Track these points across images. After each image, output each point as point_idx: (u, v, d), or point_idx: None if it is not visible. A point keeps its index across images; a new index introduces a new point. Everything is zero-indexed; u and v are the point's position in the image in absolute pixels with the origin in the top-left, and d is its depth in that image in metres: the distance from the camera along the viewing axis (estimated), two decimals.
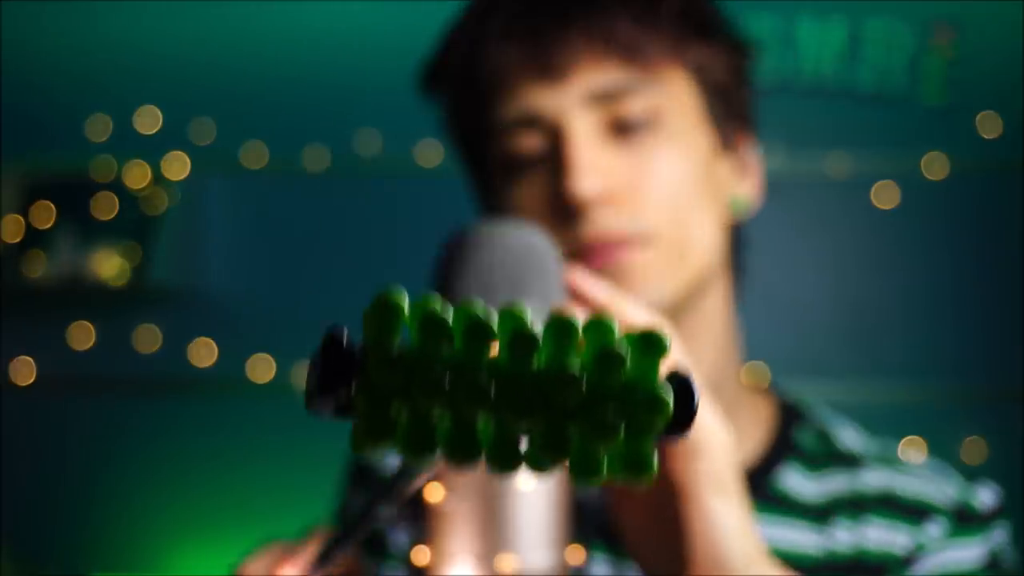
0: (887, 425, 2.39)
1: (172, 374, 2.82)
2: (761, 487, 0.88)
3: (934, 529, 0.87)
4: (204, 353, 2.84)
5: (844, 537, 0.87)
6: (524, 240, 0.66)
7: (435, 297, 0.38)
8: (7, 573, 2.62)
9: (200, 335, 2.83)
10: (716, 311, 0.88)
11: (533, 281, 0.65)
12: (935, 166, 2.68)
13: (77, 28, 2.88)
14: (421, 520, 0.65)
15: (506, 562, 0.61)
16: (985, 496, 0.90)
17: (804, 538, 0.87)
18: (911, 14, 2.71)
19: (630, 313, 0.62)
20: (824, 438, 0.92)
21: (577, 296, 0.63)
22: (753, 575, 0.59)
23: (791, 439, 0.91)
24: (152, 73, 2.84)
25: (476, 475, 0.62)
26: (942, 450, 2.59)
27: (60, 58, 2.89)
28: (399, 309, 0.38)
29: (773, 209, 2.82)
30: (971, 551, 0.87)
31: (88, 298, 2.89)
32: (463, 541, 0.62)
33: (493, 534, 0.62)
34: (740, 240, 0.92)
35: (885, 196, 2.71)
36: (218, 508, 2.80)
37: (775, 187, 2.97)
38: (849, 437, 0.93)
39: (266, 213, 2.86)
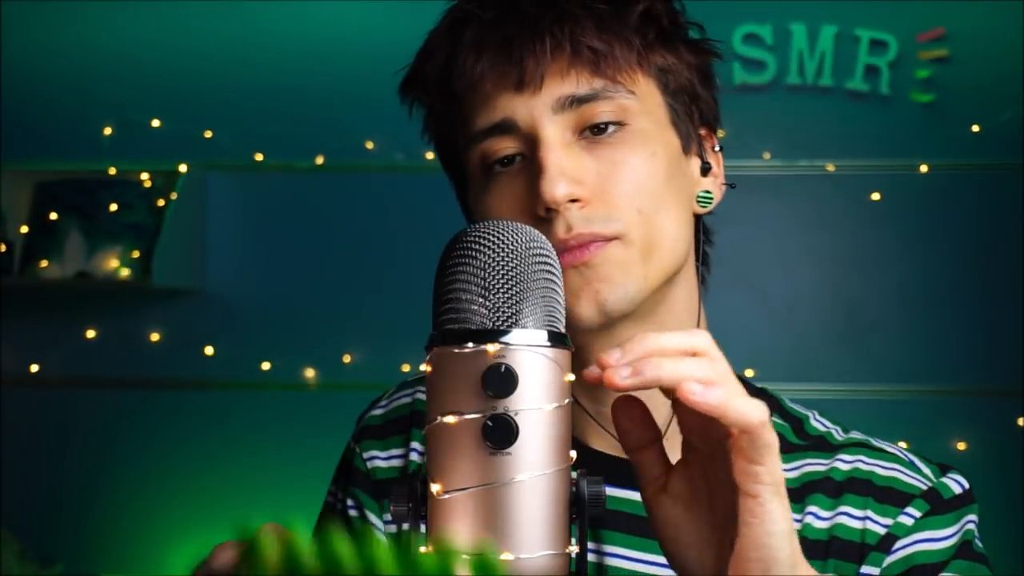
0: (880, 423, 2.40)
1: (176, 372, 2.83)
2: None
3: (908, 513, 0.90)
4: (207, 351, 2.84)
5: (819, 520, 0.90)
6: (524, 240, 0.67)
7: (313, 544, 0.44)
8: (13, 570, 2.62)
9: (203, 334, 2.84)
10: (684, 301, 0.92)
11: (532, 281, 0.66)
12: (925, 165, 2.69)
13: (86, 31, 2.88)
14: (422, 518, 0.66)
15: (506, 559, 0.62)
16: (956, 483, 0.92)
17: None
18: (900, 18, 2.71)
19: (665, 341, 0.64)
20: (797, 425, 0.96)
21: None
22: None
23: None
24: (159, 76, 2.85)
25: (475, 473, 0.63)
26: (934, 447, 2.60)
27: (68, 61, 2.89)
28: (260, 555, 0.44)
29: (768, 209, 2.82)
30: (943, 536, 0.89)
31: (93, 297, 2.90)
32: (463, 538, 0.63)
33: (493, 531, 0.62)
34: (705, 233, 0.96)
35: (877, 195, 2.72)
36: (221, 504, 2.81)
37: (770, 187, 2.96)
38: (821, 425, 0.96)
39: (270, 214, 2.87)
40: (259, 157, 2.82)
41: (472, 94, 0.88)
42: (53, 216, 2.82)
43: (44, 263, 2.81)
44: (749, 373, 2.66)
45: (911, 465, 0.93)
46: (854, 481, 0.91)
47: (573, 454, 0.66)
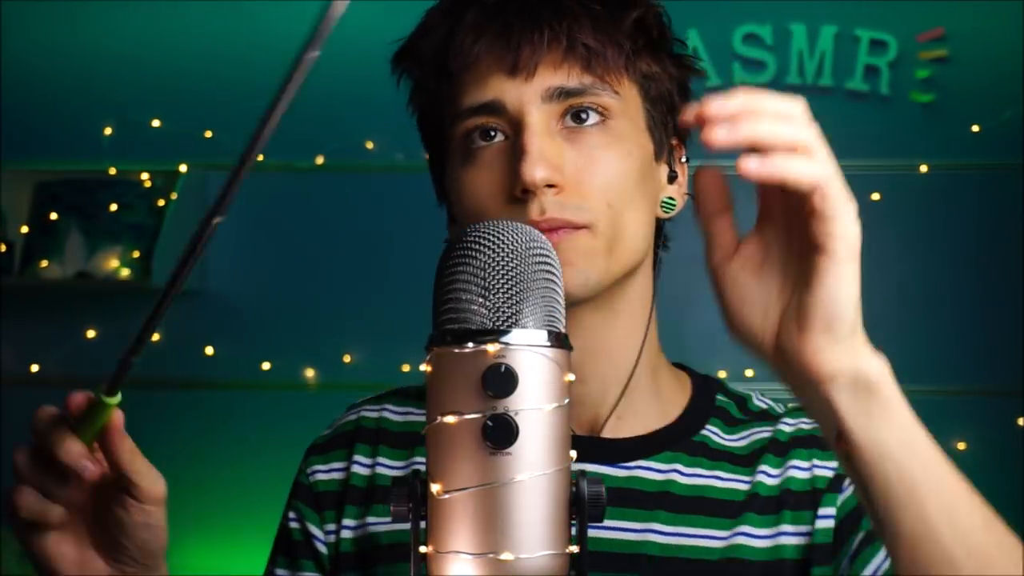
0: None
1: (176, 372, 2.83)
2: (686, 439, 0.99)
3: None
4: (207, 351, 2.85)
5: (770, 478, 0.97)
6: (524, 240, 0.67)
7: None
8: (13, 570, 2.62)
9: (203, 334, 2.84)
10: (640, 295, 0.97)
11: (532, 281, 0.66)
12: (925, 165, 2.69)
13: (86, 31, 2.89)
14: (422, 518, 0.66)
15: (506, 559, 0.62)
16: None
17: (729, 482, 0.97)
18: (900, 18, 2.71)
19: (763, 103, 0.66)
20: (740, 402, 1.04)
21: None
22: (853, 344, 0.67)
23: (711, 403, 1.02)
24: (159, 77, 2.85)
25: (475, 473, 0.63)
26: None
27: (69, 61, 2.89)
28: None
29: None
30: None
31: (93, 297, 2.90)
32: (463, 538, 0.63)
33: (493, 531, 0.63)
34: (664, 237, 1.01)
35: (877, 195, 2.72)
36: (221, 504, 2.81)
37: None
38: (762, 402, 1.04)
39: (270, 214, 2.87)
40: (259, 157, 2.82)
41: (466, 73, 0.91)
42: (53, 216, 2.82)
43: (44, 263, 2.81)
44: (749, 373, 2.66)
45: None
46: (798, 440, 0.98)
47: (573, 454, 0.66)
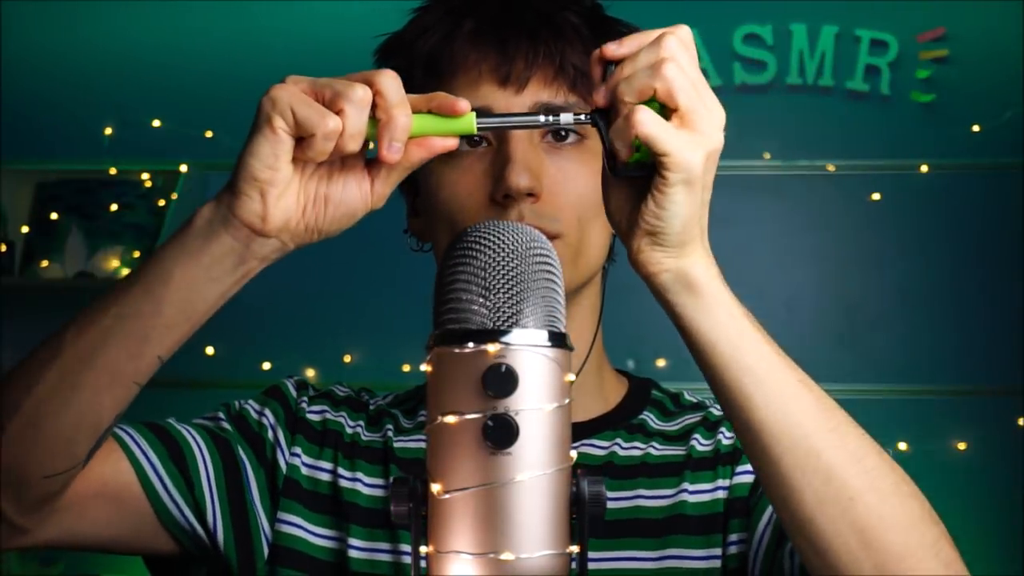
0: (880, 423, 2.39)
1: (176, 372, 2.83)
2: (626, 422, 1.06)
3: None
4: (207, 351, 2.84)
5: (701, 444, 1.03)
6: (524, 241, 0.68)
7: None
8: (14, 570, 2.62)
9: (203, 334, 2.83)
10: (590, 303, 1.04)
11: (533, 281, 0.66)
12: (925, 165, 2.69)
13: (86, 31, 2.88)
14: (422, 517, 0.66)
15: (506, 559, 0.62)
16: None
17: (665, 450, 1.03)
18: (900, 18, 2.71)
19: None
20: (674, 397, 1.12)
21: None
22: (679, 252, 0.76)
23: (647, 396, 1.10)
24: (159, 77, 2.85)
25: (476, 473, 0.63)
26: (934, 447, 2.60)
27: (68, 61, 2.89)
28: None
29: (768, 209, 2.82)
30: None
31: (94, 296, 2.90)
32: (464, 538, 0.63)
33: (493, 531, 0.63)
34: (612, 251, 1.06)
35: (877, 195, 2.72)
36: None
37: (770, 187, 2.96)
38: (693, 397, 1.11)
39: None
40: None
41: (459, 76, 0.96)
42: (54, 216, 2.82)
43: (45, 263, 2.81)
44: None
45: None
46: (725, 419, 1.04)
47: (574, 454, 0.66)
